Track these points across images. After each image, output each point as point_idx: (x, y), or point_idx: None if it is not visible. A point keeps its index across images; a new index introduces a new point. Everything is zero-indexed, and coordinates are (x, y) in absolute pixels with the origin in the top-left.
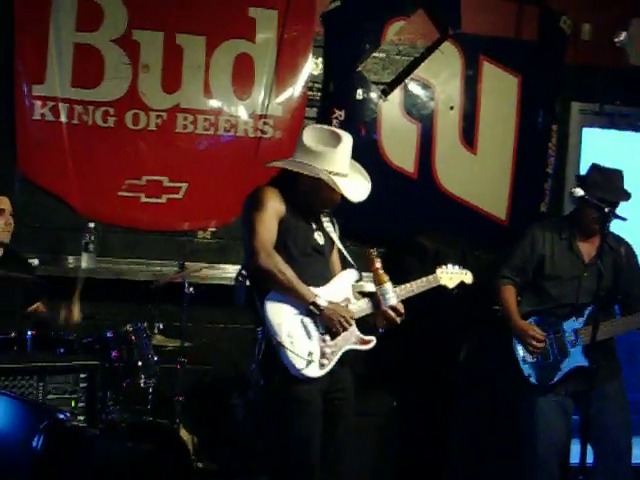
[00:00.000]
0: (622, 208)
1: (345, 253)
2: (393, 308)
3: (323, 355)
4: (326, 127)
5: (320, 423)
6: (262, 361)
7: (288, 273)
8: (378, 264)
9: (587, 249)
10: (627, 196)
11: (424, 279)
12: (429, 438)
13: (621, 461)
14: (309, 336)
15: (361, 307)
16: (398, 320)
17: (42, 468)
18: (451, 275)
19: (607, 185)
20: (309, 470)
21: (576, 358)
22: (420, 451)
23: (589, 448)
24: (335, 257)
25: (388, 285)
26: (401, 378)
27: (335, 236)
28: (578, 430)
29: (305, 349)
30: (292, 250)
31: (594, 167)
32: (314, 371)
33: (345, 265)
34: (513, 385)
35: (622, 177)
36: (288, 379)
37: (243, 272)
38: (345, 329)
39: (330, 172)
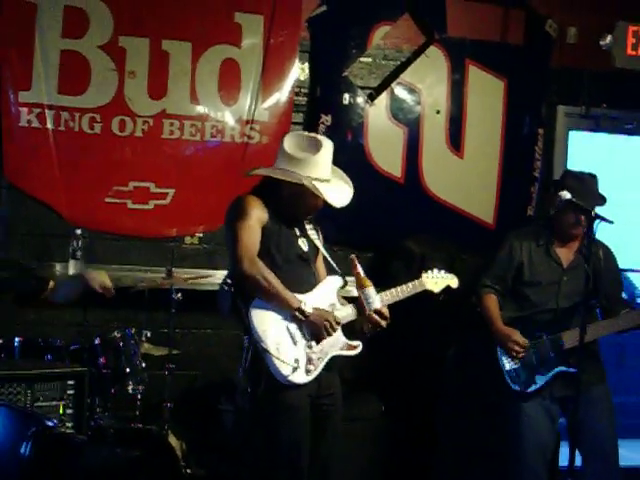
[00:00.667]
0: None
1: (329, 259)
2: (378, 312)
3: (309, 361)
4: (306, 133)
5: (308, 428)
6: (249, 368)
7: (272, 280)
8: (359, 269)
9: (565, 254)
10: (603, 201)
11: (410, 284)
12: (418, 442)
13: (609, 464)
14: (295, 342)
15: (347, 312)
16: (383, 324)
17: (30, 475)
18: (437, 280)
19: (584, 190)
20: (297, 475)
21: (559, 363)
22: (409, 455)
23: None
24: (320, 264)
25: (371, 289)
26: (389, 383)
27: (319, 242)
28: (566, 433)
29: (291, 355)
30: (276, 257)
31: (568, 173)
32: (300, 377)
33: (330, 271)
34: (498, 390)
35: (597, 182)
36: (275, 386)
37: (228, 280)
38: (331, 334)
39: (312, 178)
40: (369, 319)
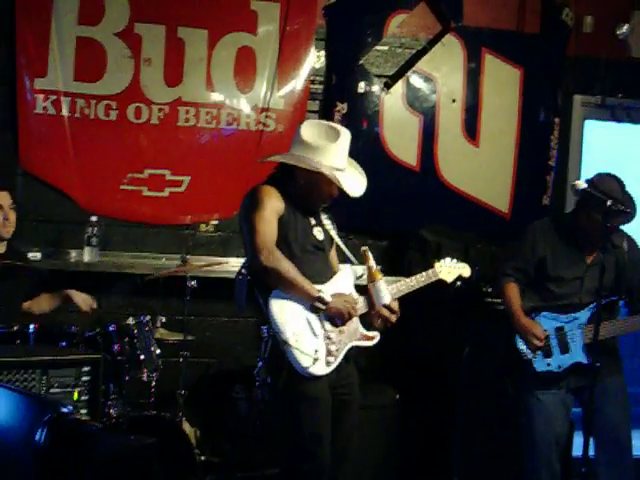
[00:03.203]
0: None
1: (344, 249)
2: (387, 307)
3: (329, 353)
4: (324, 122)
5: (330, 419)
6: (269, 359)
7: (292, 270)
8: (371, 262)
9: (589, 249)
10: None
11: (423, 274)
12: (432, 430)
13: (623, 454)
14: (314, 334)
15: (362, 304)
16: (393, 318)
17: (45, 461)
18: (449, 269)
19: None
20: (320, 465)
21: (577, 355)
22: (423, 444)
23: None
24: (333, 253)
25: (381, 282)
26: (403, 371)
27: (334, 232)
28: (581, 422)
29: (311, 347)
30: (293, 247)
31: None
32: (321, 369)
33: (345, 261)
34: (514, 379)
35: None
36: (296, 377)
37: (243, 271)
38: (352, 316)
39: (330, 167)
40: (379, 313)
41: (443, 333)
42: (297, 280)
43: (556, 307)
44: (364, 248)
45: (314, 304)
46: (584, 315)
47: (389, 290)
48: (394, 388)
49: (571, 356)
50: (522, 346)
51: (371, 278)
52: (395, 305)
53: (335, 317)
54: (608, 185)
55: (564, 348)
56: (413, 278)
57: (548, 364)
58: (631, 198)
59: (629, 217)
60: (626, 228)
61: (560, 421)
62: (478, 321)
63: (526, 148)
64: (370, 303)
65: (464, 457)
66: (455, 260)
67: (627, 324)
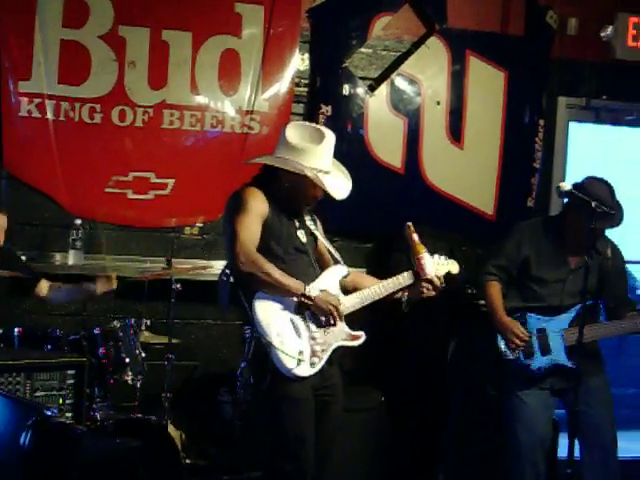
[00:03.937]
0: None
1: (331, 249)
2: (430, 279)
3: (314, 354)
4: (308, 124)
5: (313, 420)
6: (252, 360)
7: (273, 272)
8: (416, 236)
9: (574, 252)
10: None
11: (411, 271)
12: (417, 433)
13: (607, 455)
14: (299, 335)
15: (350, 302)
16: (438, 285)
17: (30, 465)
18: (438, 266)
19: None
20: (303, 466)
21: (558, 357)
22: (408, 446)
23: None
24: (323, 254)
25: (427, 255)
26: (389, 373)
27: (318, 233)
28: (565, 424)
29: (295, 348)
30: (276, 250)
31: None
32: (305, 370)
33: (332, 261)
34: (497, 380)
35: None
36: (279, 378)
37: (227, 272)
38: (335, 319)
39: (314, 169)
40: (426, 282)
41: (429, 335)
42: (280, 280)
43: (537, 308)
44: (409, 223)
45: (300, 300)
46: (566, 317)
47: (432, 262)
48: (379, 390)
49: (552, 358)
50: (503, 345)
51: (416, 251)
52: (441, 275)
53: (320, 315)
54: (597, 189)
55: (545, 349)
56: (399, 276)
57: (529, 364)
58: (619, 204)
59: (614, 220)
60: (613, 236)
61: (543, 422)
62: (464, 323)
63: (511, 150)
64: (416, 274)
65: (452, 459)
66: (444, 257)
67: (607, 328)
